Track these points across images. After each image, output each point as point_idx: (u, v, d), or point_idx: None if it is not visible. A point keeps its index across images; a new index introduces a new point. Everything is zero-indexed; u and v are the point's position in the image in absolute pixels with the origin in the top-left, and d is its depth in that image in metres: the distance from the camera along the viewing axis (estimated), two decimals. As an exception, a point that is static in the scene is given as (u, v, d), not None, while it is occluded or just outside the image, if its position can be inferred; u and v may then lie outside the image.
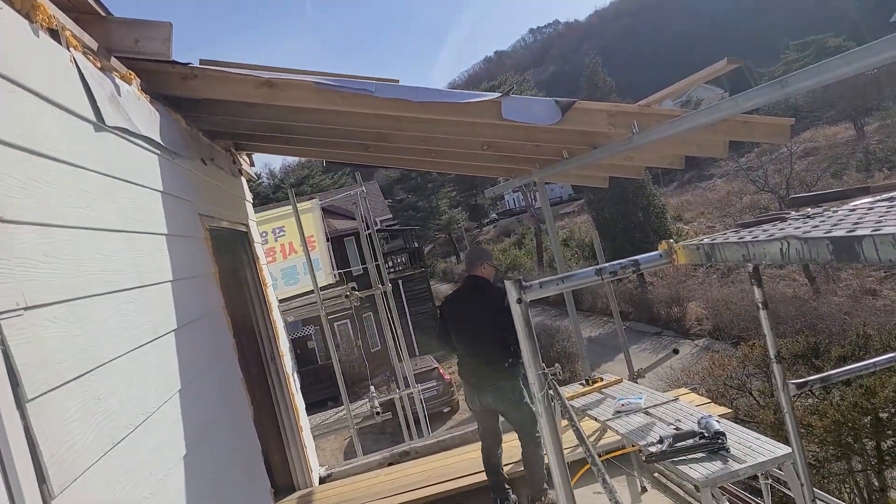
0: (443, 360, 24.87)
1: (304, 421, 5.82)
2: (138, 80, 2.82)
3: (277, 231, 7.71)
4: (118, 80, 2.51)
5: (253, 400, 4.05)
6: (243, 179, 5.58)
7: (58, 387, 1.50)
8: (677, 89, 3.69)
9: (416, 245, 36.44)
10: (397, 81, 3.49)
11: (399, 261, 31.74)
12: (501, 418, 4.50)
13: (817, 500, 2.36)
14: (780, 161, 31.08)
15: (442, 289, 44.50)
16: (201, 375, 2.71)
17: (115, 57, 2.54)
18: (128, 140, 2.47)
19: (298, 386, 6.06)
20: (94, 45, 2.34)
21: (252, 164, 6.04)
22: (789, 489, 4.09)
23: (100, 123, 2.18)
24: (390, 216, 37.94)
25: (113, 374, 1.82)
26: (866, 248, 1.23)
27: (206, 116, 3.85)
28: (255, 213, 6.57)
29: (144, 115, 2.74)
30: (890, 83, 35.73)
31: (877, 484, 10.61)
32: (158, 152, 2.84)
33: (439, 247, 59.70)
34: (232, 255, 5.00)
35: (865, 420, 10.26)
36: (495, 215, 64.45)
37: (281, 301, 6.80)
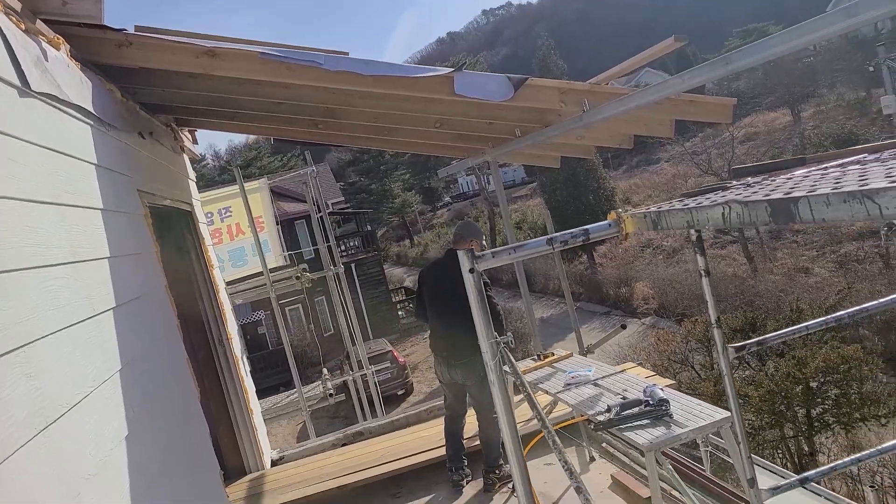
0: (397, 343, 24.89)
1: (255, 404, 5.74)
2: (68, 46, 2.67)
3: (224, 211, 7.50)
4: (45, 45, 2.37)
5: (201, 383, 3.96)
6: (186, 157, 5.40)
7: (-17, 363, 1.41)
8: (626, 67, 3.73)
9: (370, 228, 36.21)
10: (347, 54, 3.42)
11: (352, 244, 31.47)
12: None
13: (753, 460, 2.46)
14: (723, 145, 32.10)
15: (395, 272, 44.42)
16: (143, 355, 2.62)
17: (42, 20, 2.40)
18: (57, 108, 2.34)
19: (248, 369, 5.95)
20: (17, 5, 2.20)
21: (195, 142, 5.85)
22: (728, 456, 4.27)
23: (25, 88, 2.05)
24: (342, 199, 37.49)
25: (45, 352, 1.73)
26: (801, 208, 1.27)
27: (144, 88, 3.69)
28: (200, 193, 6.38)
29: (75, 83, 2.60)
30: (824, 71, 37.23)
31: (807, 449, 11.26)
32: (91, 123, 2.70)
33: (393, 230, 59.46)
34: (175, 234, 4.85)
35: (797, 389, 10.86)
36: (449, 199, 64.50)
37: (228, 283, 6.65)
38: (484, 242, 4.52)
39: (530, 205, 44.10)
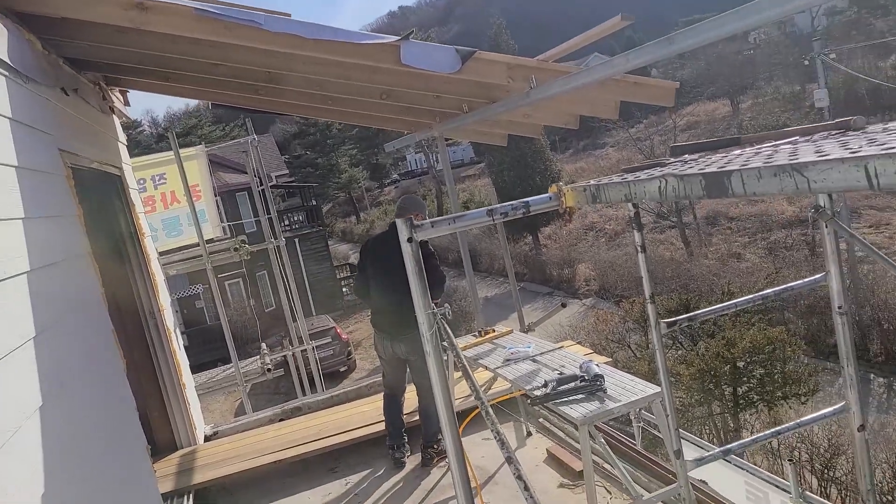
0: (340, 320, 24.72)
1: (188, 378, 5.57)
2: (-19, -10, 2.47)
3: (157, 178, 7.17)
4: (-47, -15, 2.18)
5: (129, 355, 3.80)
6: (116, 119, 5.12)
7: None
8: (574, 44, 3.74)
9: (315, 203, 35.59)
10: (289, 16, 3.28)
11: (296, 219, 30.93)
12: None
13: (681, 435, 2.54)
14: (665, 133, 33.00)
15: (340, 249, 43.96)
16: (62, 323, 2.48)
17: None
18: (-34, 55, 2.16)
19: (182, 343, 5.77)
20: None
21: (127, 104, 5.55)
22: (659, 431, 4.42)
23: (-73, 30, 1.88)
24: (287, 172, 36.66)
25: (-55, 315, 1.60)
26: (734, 181, 1.29)
27: (68, 42, 3.46)
28: (133, 159, 6.08)
29: (-12, 30, 2.40)
30: (763, 64, 38.59)
31: (732, 425, 11.84)
32: (6, 74, 2.50)
33: (339, 206, 58.67)
34: (103, 199, 4.61)
35: (725, 368, 11.39)
36: (397, 176, 64.01)
37: (162, 253, 6.39)
38: (427, 216, 4.48)
39: (478, 185, 44.26)
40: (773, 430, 2.70)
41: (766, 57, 38.76)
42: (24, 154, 2.43)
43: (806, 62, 20.68)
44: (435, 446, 4.49)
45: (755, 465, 6.26)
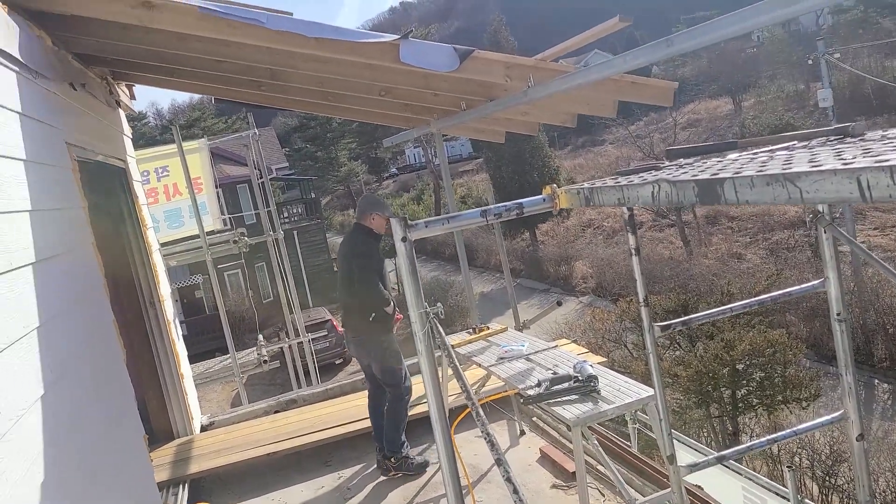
0: (337, 314, 24.71)
1: (186, 368, 5.62)
2: (-10, -15, 2.50)
3: (160, 171, 7.21)
4: (-38, -20, 2.21)
5: (129, 344, 3.84)
6: (122, 112, 5.15)
7: None
8: (572, 44, 3.77)
9: (314, 196, 35.61)
10: (291, 14, 3.32)
11: (295, 211, 30.92)
12: None
13: (677, 438, 2.58)
14: (665, 130, 32.96)
15: (338, 242, 43.92)
16: (65, 313, 2.52)
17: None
18: (-25, 49, 2.19)
19: (181, 333, 5.81)
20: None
21: (133, 98, 5.58)
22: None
23: (-63, 25, 1.91)
24: (287, 165, 36.66)
25: (-46, 306, 1.65)
26: (727, 189, 1.32)
27: (77, 38, 3.49)
28: (137, 151, 6.11)
29: (0, 27, 2.44)
30: (766, 62, 38.50)
31: (730, 429, 11.78)
32: (16, 69, 2.54)
33: (337, 199, 58.58)
34: (107, 192, 4.65)
35: (724, 371, 11.26)
36: (395, 170, 63.88)
37: (164, 244, 6.43)
38: (389, 214, 4.35)
39: (476, 180, 44.24)
40: (769, 437, 2.71)
41: (769, 55, 38.64)
42: (32, 148, 2.46)
43: (810, 61, 20.64)
44: (392, 459, 4.31)
45: (754, 470, 6.26)
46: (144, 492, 3.29)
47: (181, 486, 4.44)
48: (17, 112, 2.44)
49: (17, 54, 2.54)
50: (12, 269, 2.06)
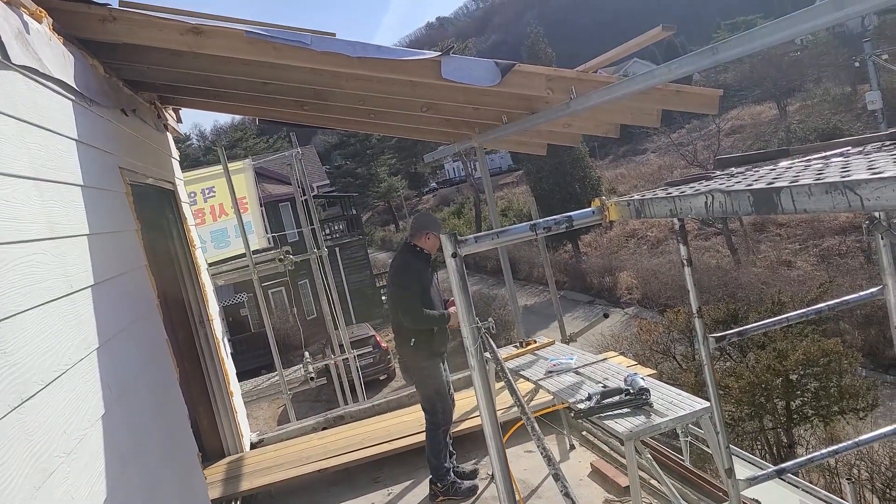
0: (380, 329, 24.91)
1: (235, 386, 5.72)
2: (50, 20, 2.61)
3: (207, 191, 7.41)
4: (27, 17, 2.31)
5: (181, 364, 3.93)
6: (170, 136, 5.32)
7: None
8: (615, 55, 3.72)
9: (354, 212, 36.05)
10: (334, 35, 3.38)
11: (337, 228, 31.35)
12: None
13: (731, 451, 2.50)
14: (709, 137, 32.28)
15: (380, 257, 44.36)
16: (122, 334, 2.59)
17: (22, -10, 2.34)
18: (37, 82, 2.29)
19: (229, 351, 5.92)
20: (-4, -26, 2.14)
21: (179, 121, 5.77)
22: (707, 447, 4.32)
23: (4, 61, 2.00)
24: (328, 182, 37.26)
25: (22, 328, 1.71)
26: (784, 198, 1.28)
27: (128, 65, 3.63)
28: (184, 173, 6.30)
29: (57, 57, 2.54)
30: (811, 65, 37.42)
31: (785, 441, 11.40)
32: (73, 98, 2.65)
33: (378, 215, 59.27)
34: (157, 213, 4.79)
35: (777, 381, 10.94)
36: (435, 184, 64.28)
37: (211, 264, 6.59)
38: (440, 232, 4.33)
39: (516, 192, 44.10)
40: (830, 448, 2.61)
41: (814, 58, 37.54)
42: (88, 174, 2.56)
43: (857, 64, 20.02)
44: (438, 484, 4.26)
45: (810, 483, 6.03)
46: (198, 508, 3.35)
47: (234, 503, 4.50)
48: (74, 139, 2.54)
49: (72, 83, 2.65)
50: (73, 292, 2.14)
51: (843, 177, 1.22)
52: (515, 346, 4.71)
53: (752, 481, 2.37)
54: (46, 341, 1.85)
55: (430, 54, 3.41)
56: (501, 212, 35.61)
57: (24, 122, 2.07)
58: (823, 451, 2.67)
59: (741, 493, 2.35)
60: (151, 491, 2.52)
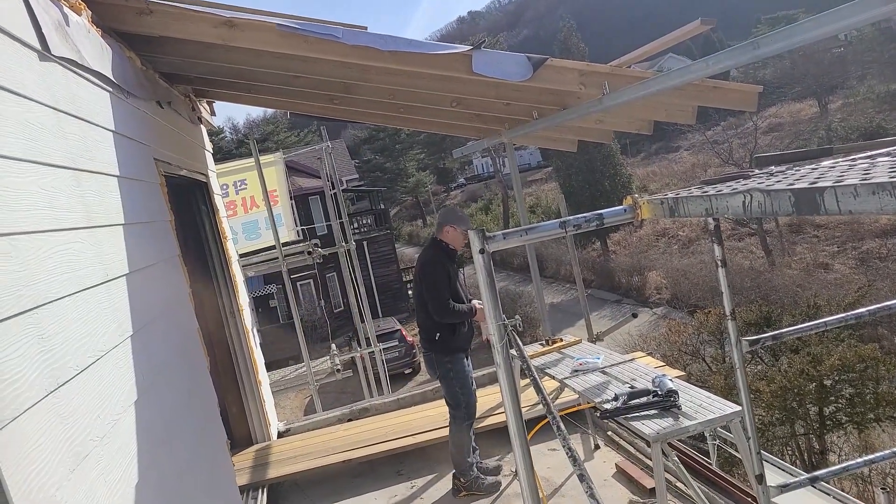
0: (406, 323, 25.02)
1: (264, 375, 5.79)
2: (89, 12, 2.66)
3: (239, 184, 7.52)
4: (66, 9, 2.36)
5: (211, 352, 4.00)
6: (203, 128, 5.40)
7: (-4, 322, 1.42)
8: (651, 49, 3.66)
9: (383, 207, 36.20)
10: (365, 28, 3.38)
11: (364, 222, 31.51)
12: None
13: (762, 456, 2.44)
14: (745, 135, 31.59)
15: (407, 252, 44.51)
16: (155, 322, 2.64)
17: (63, -17, 2.38)
18: (76, 73, 2.33)
19: (258, 341, 6.00)
20: (38, -33, 2.18)
21: (213, 114, 5.85)
22: (736, 451, 4.23)
23: (45, 52, 2.05)
24: (356, 176, 37.46)
25: (59, 314, 1.75)
26: (828, 199, 1.24)
27: (163, 57, 3.68)
28: (217, 165, 6.39)
29: (95, 49, 2.59)
30: (855, 62, 36.37)
31: (817, 447, 11.14)
32: (110, 90, 2.70)
33: (406, 210, 59.43)
34: (190, 204, 4.87)
35: (810, 386, 10.69)
36: (463, 180, 64.22)
37: (241, 255, 6.68)
38: (465, 227, 4.20)
39: (545, 189, 43.82)
40: (865, 458, 2.53)
41: (858, 55, 36.45)
42: (124, 164, 2.61)
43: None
44: (461, 479, 4.27)
45: (843, 490, 5.87)
46: (227, 495, 3.40)
47: (260, 490, 4.57)
48: (111, 130, 2.59)
49: (110, 75, 2.70)
50: (109, 280, 2.18)
51: (892, 177, 1.17)
52: (541, 344, 4.67)
53: (785, 488, 2.31)
54: (82, 327, 1.89)
55: (461, 48, 3.39)
56: (529, 208, 35.41)
57: (63, 112, 2.11)
58: (859, 459, 2.59)
59: (772, 499, 2.30)
60: (181, 475, 2.56)
